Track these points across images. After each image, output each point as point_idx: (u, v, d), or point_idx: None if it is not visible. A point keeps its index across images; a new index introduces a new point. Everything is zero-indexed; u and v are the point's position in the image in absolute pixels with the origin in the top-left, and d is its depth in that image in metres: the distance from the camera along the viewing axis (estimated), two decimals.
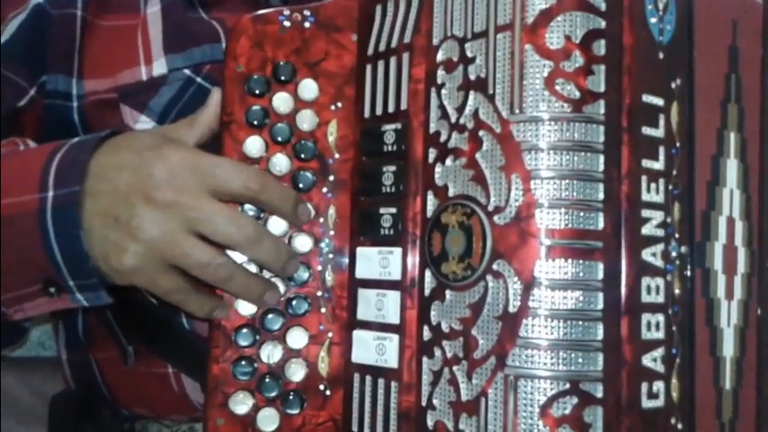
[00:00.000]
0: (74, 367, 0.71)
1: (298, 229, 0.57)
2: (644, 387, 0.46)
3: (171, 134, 0.57)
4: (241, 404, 0.56)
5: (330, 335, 0.57)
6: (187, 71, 0.65)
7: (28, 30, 0.65)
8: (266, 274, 0.57)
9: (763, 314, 0.55)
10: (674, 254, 0.48)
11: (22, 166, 0.55)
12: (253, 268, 0.56)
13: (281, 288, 0.57)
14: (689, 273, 0.49)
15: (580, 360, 0.44)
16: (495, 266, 0.46)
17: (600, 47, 0.46)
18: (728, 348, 0.52)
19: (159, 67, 0.65)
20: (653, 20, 0.48)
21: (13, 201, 0.53)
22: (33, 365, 0.81)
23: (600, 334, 0.45)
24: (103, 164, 0.53)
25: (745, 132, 0.54)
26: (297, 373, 0.57)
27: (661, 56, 0.49)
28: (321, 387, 0.57)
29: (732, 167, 0.53)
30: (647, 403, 0.46)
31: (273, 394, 0.56)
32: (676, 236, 0.49)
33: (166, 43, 0.66)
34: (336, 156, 0.59)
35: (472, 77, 0.49)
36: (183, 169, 0.51)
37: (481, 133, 0.48)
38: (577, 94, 0.46)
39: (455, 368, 0.48)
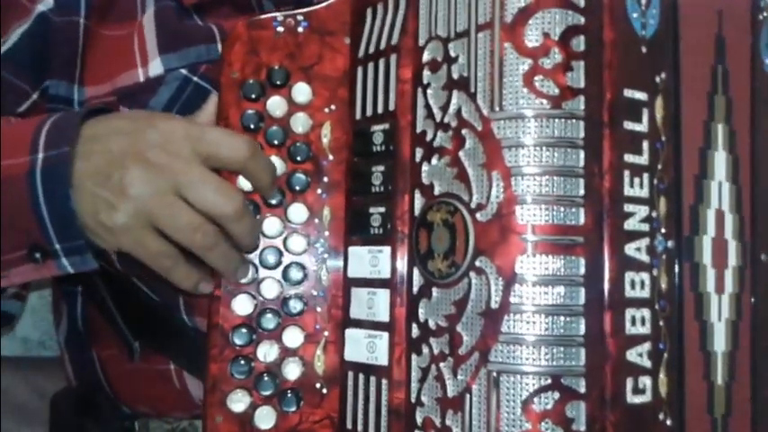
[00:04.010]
0: (76, 365, 0.73)
1: (293, 229, 0.58)
2: (629, 382, 0.46)
3: None
4: (238, 402, 0.57)
5: (326, 334, 0.58)
6: (183, 71, 0.67)
7: (32, 37, 0.66)
8: None
9: (757, 307, 0.54)
10: (659, 248, 0.48)
11: (12, 133, 0.56)
12: None
13: (277, 288, 0.58)
14: (677, 268, 0.49)
15: (562, 355, 0.45)
16: (477, 263, 0.47)
17: (579, 43, 0.47)
18: (720, 342, 0.52)
19: (155, 67, 0.67)
20: (635, 15, 0.48)
21: (3, 164, 0.53)
22: (34, 365, 0.83)
23: (582, 329, 0.45)
24: (96, 128, 0.53)
25: (734, 123, 0.54)
26: (293, 371, 0.58)
27: (644, 50, 0.49)
28: (317, 385, 0.58)
29: (720, 160, 0.53)
30: (632, 398, 0.46)
31: (270, 392, 0.57)
32: (662, 230, 0.48)
33: (161, 44, 0.67)
34: (330, 157, 0.60)
35: (455, 76, 0.50)
36: (175, 135, 0.52)
37: (464, 132, 0.49)
38: (556, 90, 0.46)
39: (441, 365, 0.49)
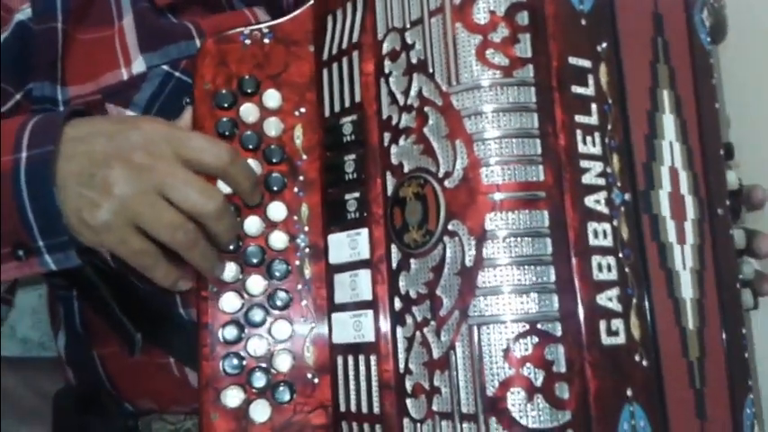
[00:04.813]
0: (76, 368, 0.73)
1: (273, 227, 0.61)
2: (602, 324, 0.48)
3: None
4: (233, 398, 0.58)
5: (313, 325, 0.60)
6: (165, 67, 0.69)
7: (12, 44, 0.69)
8: None
9: (718, 258, 0.57)
10: (617, 201, 0.52)
11: None
12: None
13: (263, 284, 0.60)
14: (636, 219, 0.52)
15: (536, 302, 0.47)
16: (449, 227, 0.50)
17: (523, 18, 0.51)
18: (687, 290, 0.54)
19: (138, 66, 0.69)
20: None
21: None
22: (34, 365, 0.82)
23: (552, 276, 0.48)
24: (79, 129, 0.55)
25: (679, 90, 0.58)
26: (284, 363, 0.59)
27: (584, 22, 0.53)
28: (309, 375, 0.60)
29: (669, 122, 0.57)
30: (606, 340, 0.48)
31: (263, 385, 0.59)
32: (618, 184, 0.52)
33: (142, 44, 0.70)
34: (304, 157, 0.63)
35: (414, 61, 0.54)
36: (158, 138, 0.54)
37: (426, 109, 0.52)
38: (507, 61, 0.50)
39: (425, 330, 0.51)
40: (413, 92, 0.53)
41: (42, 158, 0.53)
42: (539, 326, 0.47)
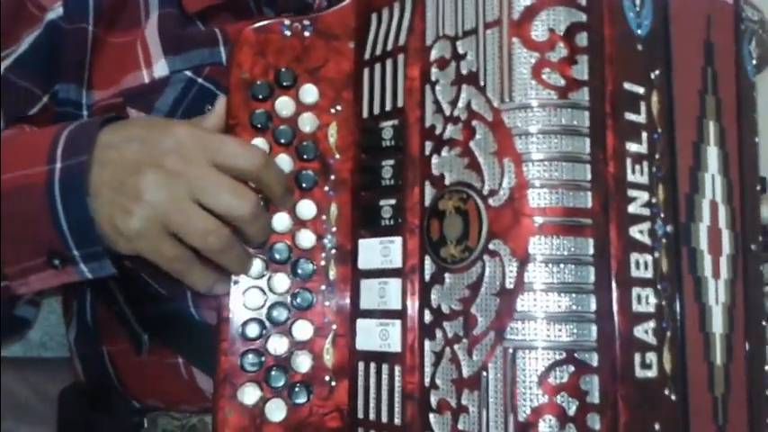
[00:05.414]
0: (85, 362, 0.72)
1: (301, 225, 0.60)
2: (637, 357, 0.48)
3: None
4: (249, 395, 0.58)
5: (334, 327, 0.60)
6: (188, 72, 0.68)
7: (42, 44, 0.68)
8: None
9: (749, 293, 0.57)
10: (660, 232, 0.51)
11: (30, 142, 0.57)
12: None
13: (287, 282, 0.59)
14: (676, 251, 0.52)
15: (575, 330, 0.47)
16: (491, 246, 0.49)
17: (582, 38, 0.50)
18: (717, 325, 0.54)
19: (160, 69, 0.68)
20: (630, 14, 0.52)
21: (21, 173, 0.54)
22: (34, 365, 0.82)
23: (593, 305, 0.47)
24: (112, 136, 0.54)
25: (723, 122, 0.58)
26: (303, 364, 0.59)
27: (640, 47, 0.52)
28: (327, 378, 0.59)
29: (713, 154, 0.56)
30: (640, 373, 0.48)
31: (280, 385, 0.58)
32: (662, 215, 0.51)
33: (165, 47, 0.68)
34: (337, 156, 0.62)
35: (464, 72, 0.52)
36: (191, 142, 0.53)
37: (474, 123, 0.51)
38: (562, 82, 0.49)
39: (456, 347, 0.50)
40: (461, 103, 0.52)
41: (77, 169, 0.53)
42: (576, 355, 0.46)
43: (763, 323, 0.60)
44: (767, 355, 0.60)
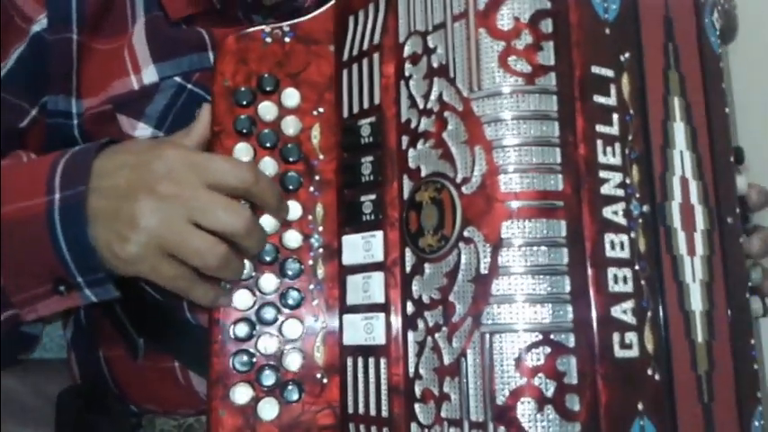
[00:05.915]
0: (82, 365, 0.74)
1: (288, 225, 0.61)
2: (616, 337, 0.48)
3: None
4: (241, 395, 0.58)
5: (324, 325, 0.60)
6: (178, 78, 0.69)
7: (28, 58, 0.69)
8: None
9: (728, 268, 0.57)
10: (635, 212, 0.51)
11: (27, 173, 0.59)
12: None
13: (275, 282, 0.60)
14: (654, 231, 0.52)
15: (550, 312, 0.47)
16: (465, 233, 0.49)
17: (547, 25, 0.50)
18: (696, 302, 0.54)
19: (150, 75, 0.69)
20: (597, 0, 0.53)
21: (21, 205, 0.56)
22: (34, 366, 0.82)
23: (568, 287, 0.47)
24: (105, 164, 0.56)
25: (689, 97, 0.58)
26: (294, 362, 0.59)
27: (607, 31, 0.53)
28: (318, 375, 0.60)
29: (680, 130, 0.56)
30: (620, 353, 0.48)
31: (272, 384, 0.59)
32: (637, 195, 0.51)
33: (154, 53, 0.70)
34: (321, 157, 0.63)
35: (435, 65, 0.53)
36: (180, 165, 0.55)
37: (446, 114, 0.52)
38: (529, 68, 0.50)
39: (437, 335, 0.51)
40: (433, 96, 0.53)
41: (74, 199, 0.55)
42: (552, 336, 0.47)
43: (747, 296, 0.59)
44: (753, 328, 0.59)
